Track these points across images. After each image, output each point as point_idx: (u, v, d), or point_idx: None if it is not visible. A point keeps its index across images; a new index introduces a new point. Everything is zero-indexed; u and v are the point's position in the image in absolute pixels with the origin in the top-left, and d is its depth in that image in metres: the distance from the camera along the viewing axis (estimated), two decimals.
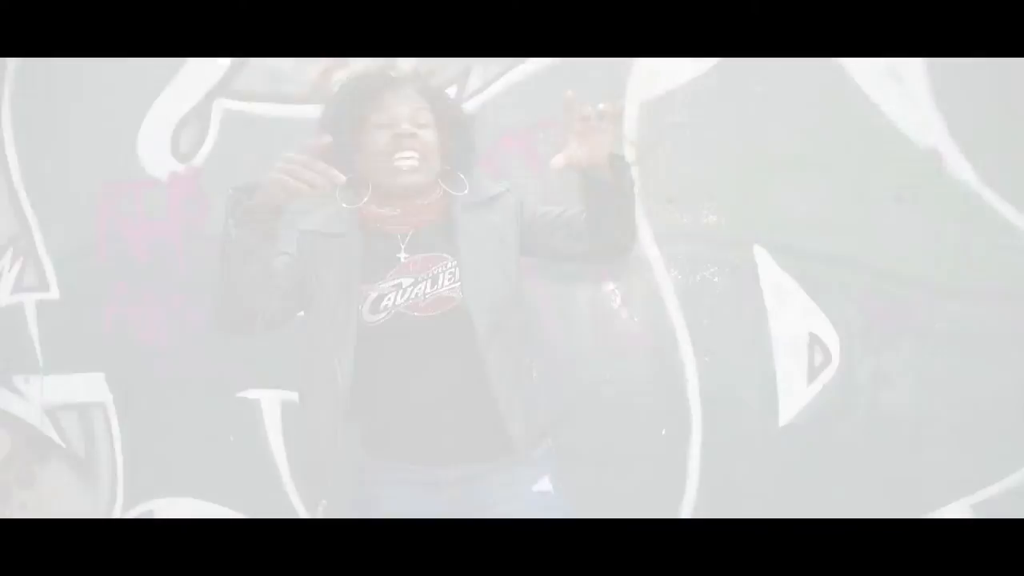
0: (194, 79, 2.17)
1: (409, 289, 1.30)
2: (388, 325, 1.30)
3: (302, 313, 1.44)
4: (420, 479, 1.34)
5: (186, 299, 2.16)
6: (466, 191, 1.40)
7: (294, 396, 2.12)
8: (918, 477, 1.88)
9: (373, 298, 1.31)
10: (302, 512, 2.12)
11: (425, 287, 1.30)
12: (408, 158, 1.32)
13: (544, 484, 1.35)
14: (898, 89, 1.89)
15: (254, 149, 2.13)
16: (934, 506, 1.87)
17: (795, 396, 1.93)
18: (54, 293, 2.27)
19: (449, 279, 1.31)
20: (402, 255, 1.34)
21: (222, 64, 2.13)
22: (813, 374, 1.92)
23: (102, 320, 2.21)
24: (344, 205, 1.38)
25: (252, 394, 2.15)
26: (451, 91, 1.46)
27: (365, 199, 1.37)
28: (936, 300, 1.87)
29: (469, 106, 1.98)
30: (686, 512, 1.96)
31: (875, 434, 1.90)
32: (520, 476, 1.34)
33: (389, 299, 1.30)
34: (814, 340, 1.92)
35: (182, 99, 2.18)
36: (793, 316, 1.92)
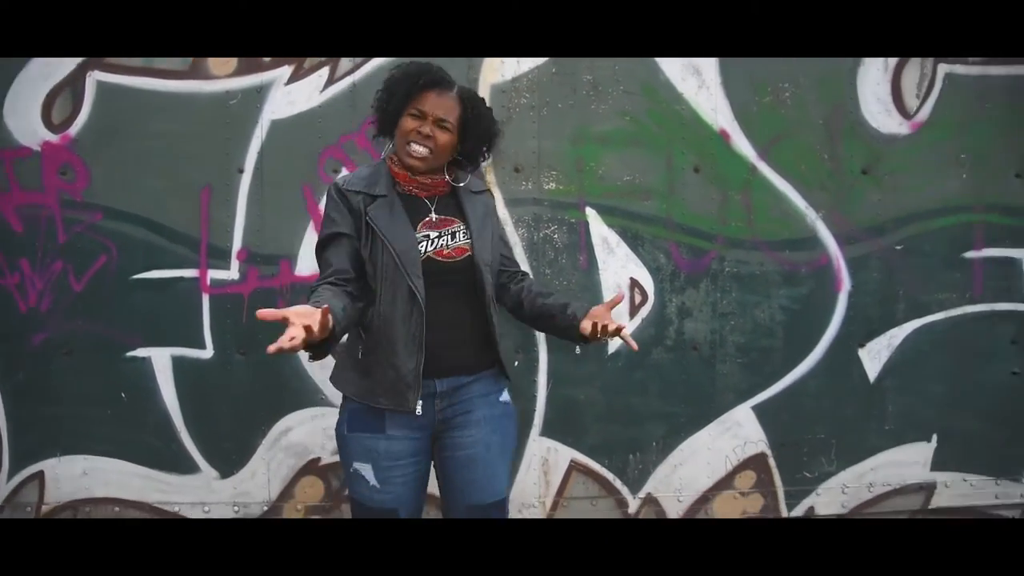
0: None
1: (436, 240, 1.70)
2: (424, 264, 1.67)
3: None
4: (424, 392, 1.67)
5: (67, 266, 2.26)
6: (461, 185, 1.78)
7: (183, 352, 2.30)
8: (713, 387, 2.42)
9: None
10: (198, 458, 2.32)
11: (447, 240, 1.71)
12: (416, 153, 1.68)
13: (505, 395, 1.81)
14: (697, 82, 2.36)
15: (129, 120, 2.25)
16: (724, 408, 2.42)
17: None
18: None
19: (464, 236, 1.73)
20: (433, 213, 1.73)
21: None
22: (634, 311, 2.39)
23: None
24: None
25: (142, 352, 2.29)
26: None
27: (390, 149, 1.76)
28: (725, 249, 2.39)
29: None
30: (536, 429, 2.38)
31: (681, 356, 2.41)
32: (492, 388, 1.77)
33: (422, 245, 1.68)
34: (634, 284, 2.38)
35: (52, 70, 2.23)
36: (617, 265, 2.37)
